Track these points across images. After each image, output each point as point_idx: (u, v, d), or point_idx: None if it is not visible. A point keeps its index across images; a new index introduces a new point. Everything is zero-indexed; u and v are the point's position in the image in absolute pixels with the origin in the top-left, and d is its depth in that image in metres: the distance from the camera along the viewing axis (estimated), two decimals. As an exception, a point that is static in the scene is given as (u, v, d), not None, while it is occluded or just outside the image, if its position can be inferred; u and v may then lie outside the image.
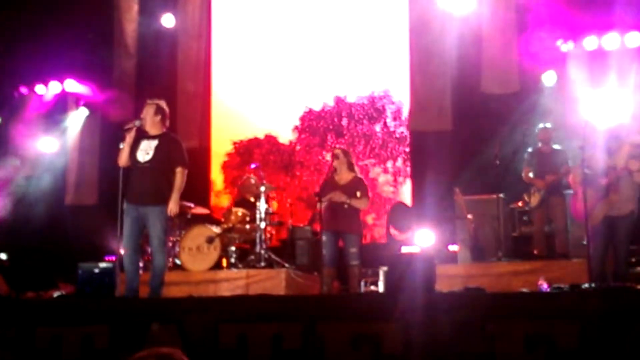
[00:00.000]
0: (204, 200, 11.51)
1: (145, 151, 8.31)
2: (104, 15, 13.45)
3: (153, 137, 8.35)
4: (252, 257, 10.16)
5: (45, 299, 8.68)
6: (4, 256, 11.39)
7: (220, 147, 13.97)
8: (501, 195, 10.40)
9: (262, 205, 10.31)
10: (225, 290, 9.45)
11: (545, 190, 10.03)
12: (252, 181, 10.87)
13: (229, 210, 10.72)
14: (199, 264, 10.17)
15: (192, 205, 10.96)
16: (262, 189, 10.37)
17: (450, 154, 11.71)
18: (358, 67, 12.72)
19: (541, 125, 10.42)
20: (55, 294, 9.11)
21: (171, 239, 10.62)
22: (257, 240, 10.18)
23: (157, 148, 8.29)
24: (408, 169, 12.21)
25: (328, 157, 12.46)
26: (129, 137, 8.38)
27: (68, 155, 13.81)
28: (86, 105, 13.72)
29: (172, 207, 8.21)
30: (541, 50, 11.38)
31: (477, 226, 10.39)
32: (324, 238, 9.08)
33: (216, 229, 10.41)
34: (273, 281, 9.53)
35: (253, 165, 10.65)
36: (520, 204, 10.85)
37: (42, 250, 12.18)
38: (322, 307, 6.69)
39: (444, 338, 6.04)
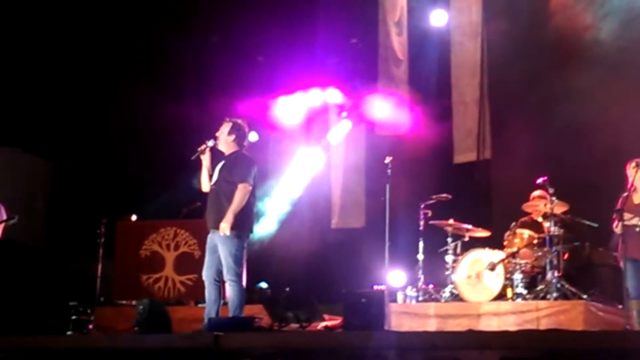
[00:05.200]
0: (484, 221, 11.29)
1: (216, 173, 8.60)
2: (368, 17, 13.71)
3: (225, 158, 8.69)
4: (542, 286, 9.84)
5: (310, 332, 8.88)
6: (264, 285, 11.83)
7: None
8: None
9: (553, 226, 9.98)
10: (512, 324, 9.21)
11: None
12: (540, 198, 10.57)
13: (512, 232, 10.50)
14: (480, 294, 10.04)
15: (469, 226, 10.84)
16: (552, 207, 10.02)
17: None
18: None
19: None
20: (320, 326, 9.33)
21: (447, 265, 10.57)
22: (548, 267, 9.88)
23: (222, 167, 8.55)
24: None
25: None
26: (205, 159, 8.68)
27: (331, 172, 14.18)
28: (349, 117, 13.99)
29: (222, 226, 8.30)
30: None
31: None
32: (627, 266, 8.75)
33: (499, 254, 10.22)
34: (568, 314, 9.19)
35: (540, 180, 10.28)
36: None
37: (305, 279, 12.59)
38: (631, 344, 6.30)
39: None
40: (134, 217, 12.26)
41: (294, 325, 9.29)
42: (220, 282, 8.52)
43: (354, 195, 13.95)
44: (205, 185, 8.72)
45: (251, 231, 8.66)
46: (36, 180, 14.44)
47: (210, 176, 8.66)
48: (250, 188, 8.51)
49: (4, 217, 10.39)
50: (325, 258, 13.22)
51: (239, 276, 8.44)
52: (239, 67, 13.79)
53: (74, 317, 10.74)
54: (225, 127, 8.74)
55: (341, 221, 13.97)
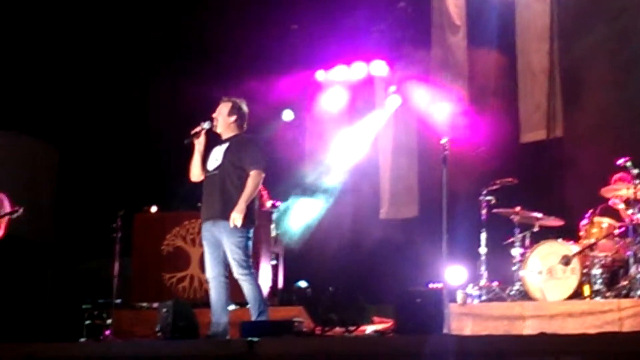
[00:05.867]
0: (557, 208, 11.19)
1: (215, 158, 8.59)
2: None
3: (225, 141, 8.70)
4: (625, 282, 9.74)
5: (357, 336, 8.88)
6: (304, 284, 11.89)
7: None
8: None
9: (637, 214, 9.88)
10: (590, 326, 9.09)
11: None
12: (621, 181, 10.46)
13: (590, 221, 10.42)
14: (553, 292, 9.97)
15: (539, 214, 10.75)
16: (636, 191, 9.91)
17: None
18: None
19: None
20: (369, 330, 9.31)
21: (513, 260, 10.53)
22: (632, 260, 9.75)
23: (226, 151, 8.59)
24: None
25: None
26: (199, 144, 8.67)
27: (379, 155, 14.21)
28: (398, 92, 13.91)
29: (234, 216, 8.34)
30: None
31: None
32: None
33: (574, 246, 10.15)
34: (655, 314, 9.09)
35: (621, 160, 10.15)
36: None
37: (351, 277, 12.64)
38: None
39: None
40: (154, 209, 12.28)
41: (339, 329, 9.31)
42: (229, 280, 8.58)
43: (405, 181, 13.93)
44: (197, 174, 8.76)
45: (254, 222, 8.67)
46: (41, 168, 14.53)
47: (204, 162, 8.69)
48: (264, 173, 8.57)
49: (8, 209, 10.48)
50: (374, 252, 13.18)
51: (251, 268, 8.51)
52: (271, 38, 13.79)
53: (87, 322, 10.84)
54: (224, 107, 8.77)
55: (391, 210, 13.97)
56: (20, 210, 10.37)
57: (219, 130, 8.74)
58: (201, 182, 8.80)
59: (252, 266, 8.56)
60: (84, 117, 14.03)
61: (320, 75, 14.51)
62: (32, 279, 13.16)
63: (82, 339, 10.42)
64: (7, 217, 10.48)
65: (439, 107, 13.26)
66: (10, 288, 12.15)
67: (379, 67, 14.14)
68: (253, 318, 8.43)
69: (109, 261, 11.40)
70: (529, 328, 9.42)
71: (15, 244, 11.43)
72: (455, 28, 13.45)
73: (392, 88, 14.01)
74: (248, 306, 8.63)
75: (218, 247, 8.52)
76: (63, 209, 14.32)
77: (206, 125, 8.68)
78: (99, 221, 12.03)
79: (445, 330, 8.08)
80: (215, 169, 8.59)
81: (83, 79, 13.87)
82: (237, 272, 8.42)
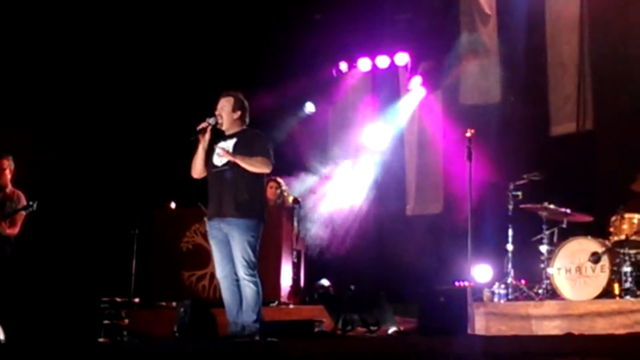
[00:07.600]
0: (586, 204, 11.15)
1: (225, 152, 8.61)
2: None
3: (231, 136, 8.75)
4: (662, 280, 9.74)
5: (380, 337, 8.89)
6: (326, 282, 11.92)
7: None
8: None
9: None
10: (620, 326, 9.07)
11: None
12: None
13: (620, 217, 10.33)
14: (581, 291, 9.99)
15: (568, 210, 10.73)
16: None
17: None
18: None
19: None
20: (391, 330, 9.34)
21: (542, 257, 10.53)
22: (662, 258, 9.75)
23: (236, 146, 8.65)
24: None
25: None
26: (203, 141, 8.69)
27: (404, 150, 14.18)
28: (424, 83, 13.91)
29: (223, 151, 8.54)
30: None
31: None
32: None
33: (603, 243, 10.13)
34: (689, 314, 9.05)
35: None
36: None
37: (373, 275, 12.76)
38: None
39: None
40: (173, 205, 12.29)
41: (361, 330, 9.25)
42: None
43: (431, 176, 13.91)
44: (199, 170, 8.81)
45: (265, 219, 8.73)
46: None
47: (207, 158, 8.75)
48: (272, 167, 8.68)
49: (23, 205, 10.50)
50: (398, 250, 13.12)
51: (257, 270, 8.58)
52: (292, 28, 13.79)
53: (106, 322, 10.84)
54: (227, 103, 8.79)
55: (418, 207, 13.93)
56: (34, 205, 10.39)
57: (224, 127, 8.79)
58: (204, 179, 8.85)
59: (258, 267, 8.61)
60: (100, 114, 13.91)
61: (343, 66, 14.48)
62: (49, 277, 13.12)
63: (100, 339, 10.42)
64: (22, 213, 10.51)
65: (465, 98, 13.32)
66: (28, 287, 12.13)
67: (404, 58, 14.07)
68: (247, 320, 8.50)
69: (125, 258, 11.37)
70: (556, 328, 9.41)
71: (32, 239, 11.40)
72: (486, 17, 13.41)
73: (417, 79, 13.97)
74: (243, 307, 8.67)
75: (227, 244, 8.57)
76: (81, 205, 14.24)
77: (212, 121, 8.71)
78: (119, 218, 12.07)
79: (469, 331, 8.06)
80: (224, 165, 8.63)
81: (96, 74, 13.83)
82: (244, 273, 8.48)
